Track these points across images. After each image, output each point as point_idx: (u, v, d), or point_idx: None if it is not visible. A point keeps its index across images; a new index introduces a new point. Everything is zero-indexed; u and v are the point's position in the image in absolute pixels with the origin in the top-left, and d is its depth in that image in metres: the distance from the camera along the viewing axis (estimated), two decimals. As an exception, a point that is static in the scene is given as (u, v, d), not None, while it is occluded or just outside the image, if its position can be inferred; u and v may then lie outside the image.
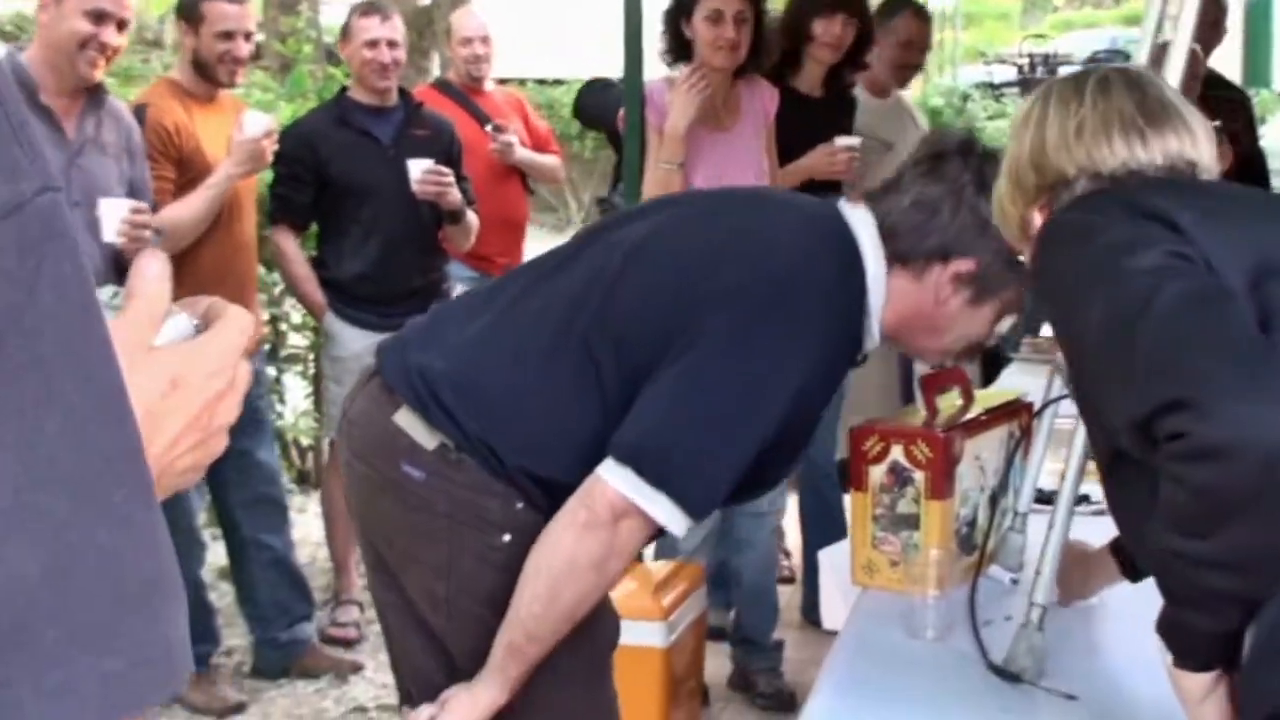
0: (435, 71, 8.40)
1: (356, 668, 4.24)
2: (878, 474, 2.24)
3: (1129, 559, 2.00)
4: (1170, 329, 1.35)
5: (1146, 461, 1.36)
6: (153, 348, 0.78)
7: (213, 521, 4.42)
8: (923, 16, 4.87)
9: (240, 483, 3.98)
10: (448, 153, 4.43)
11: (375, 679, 4.15)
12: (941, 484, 2.20)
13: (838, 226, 2.09)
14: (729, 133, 3.87)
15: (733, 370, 1.93)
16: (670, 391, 1.93)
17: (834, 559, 2.52)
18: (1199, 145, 1.67)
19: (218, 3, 3.85)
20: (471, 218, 4.47)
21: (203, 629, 3.97)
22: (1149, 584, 1.47)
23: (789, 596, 4.52)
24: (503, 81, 5.87)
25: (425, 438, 2.03)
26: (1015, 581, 2.29)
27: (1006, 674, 1.93)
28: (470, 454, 2.01)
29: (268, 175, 4.23)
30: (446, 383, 2.02)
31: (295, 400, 5.61)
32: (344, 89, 4.57)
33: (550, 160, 5.27)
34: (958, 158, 2.10)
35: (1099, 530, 2.04)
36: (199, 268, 3.66)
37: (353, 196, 4.30)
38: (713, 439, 1.93)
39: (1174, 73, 2.12)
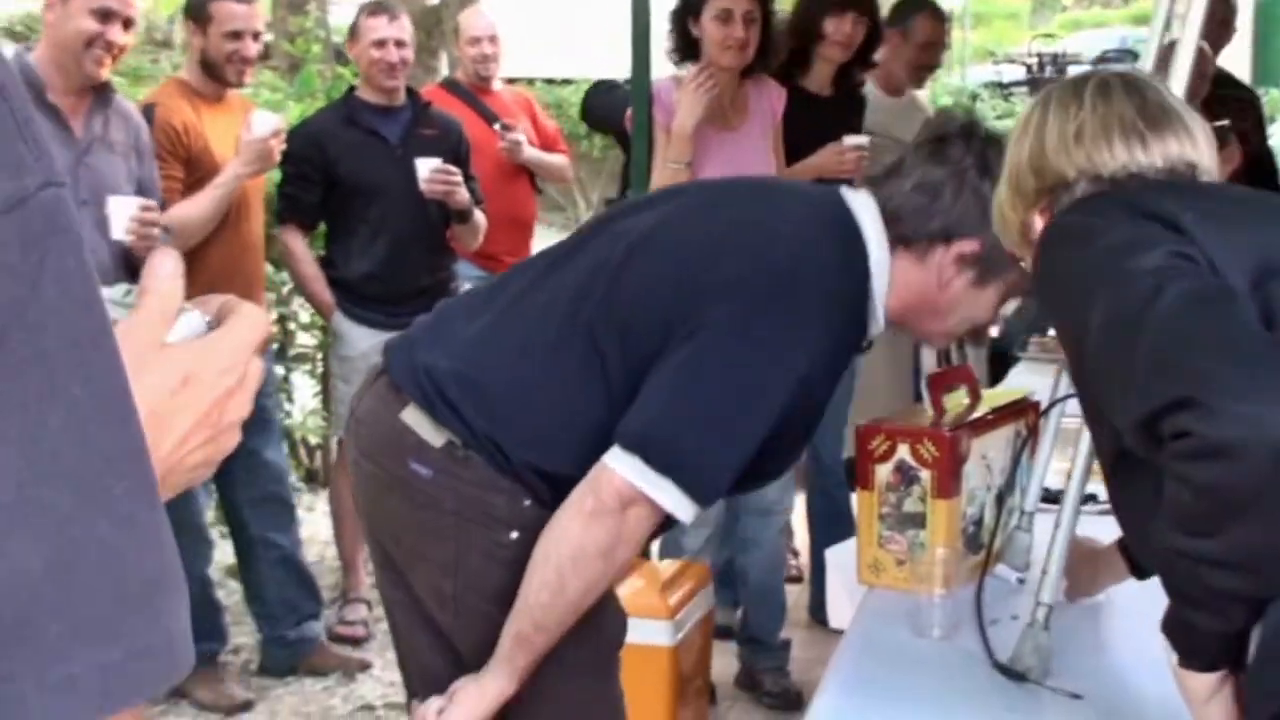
0: (444, 71, 8.41)
1: (364, 666, 4.25)
2: (884, 473, 2.24)
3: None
4: (1174, 328, 1.34)
5: (1151, 461, 1.36)
6: (165, 344, 0.79)
7: (220, 520, 4.43)
8: (939, 17, 4.86)
9: (248, 482, 3.99)
10: (456, 152, 4.43)
11: (383, 677, 4.15)
12: (948, 483, 2.20)
13: (840, 213, 2.09)
14: (736, 132, 3.87)
15: (736, 358, 1.93)
16: (674, 380, 1.93)
17: (840, 558, 2.52)
18: (1199, 148, 1.66)
19: (225, 3, 3.86)
20: (479, 217, 4.48)
21: (210, 627, 3.98)
22: (1155, 583, 1.47)
23: (797, 596, 4.52)
24: (511, 81, 5.87)
25: (432, 435, 2.03)
26: (1021, 581, 2.29)
27: (1012, 673, 1.93)
28: (477, 451, 2.01)
29: (276, 175, 4.24)
30: (452, 380, 2.02)
31: (304, 399, 5.62)
32: (352, 88, 4.57)
33: (558, 159, 5.27)
34: (960, 141, 2.10)
35: (1105, 529, 2.04)
36: (207, 267, 3.67)
37: (361, 196, 4.30)
38: (718, 426, 1.93)
39: (1181, 71, 2.12)
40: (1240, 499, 1.26)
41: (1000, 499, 2.33)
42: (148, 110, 3.75)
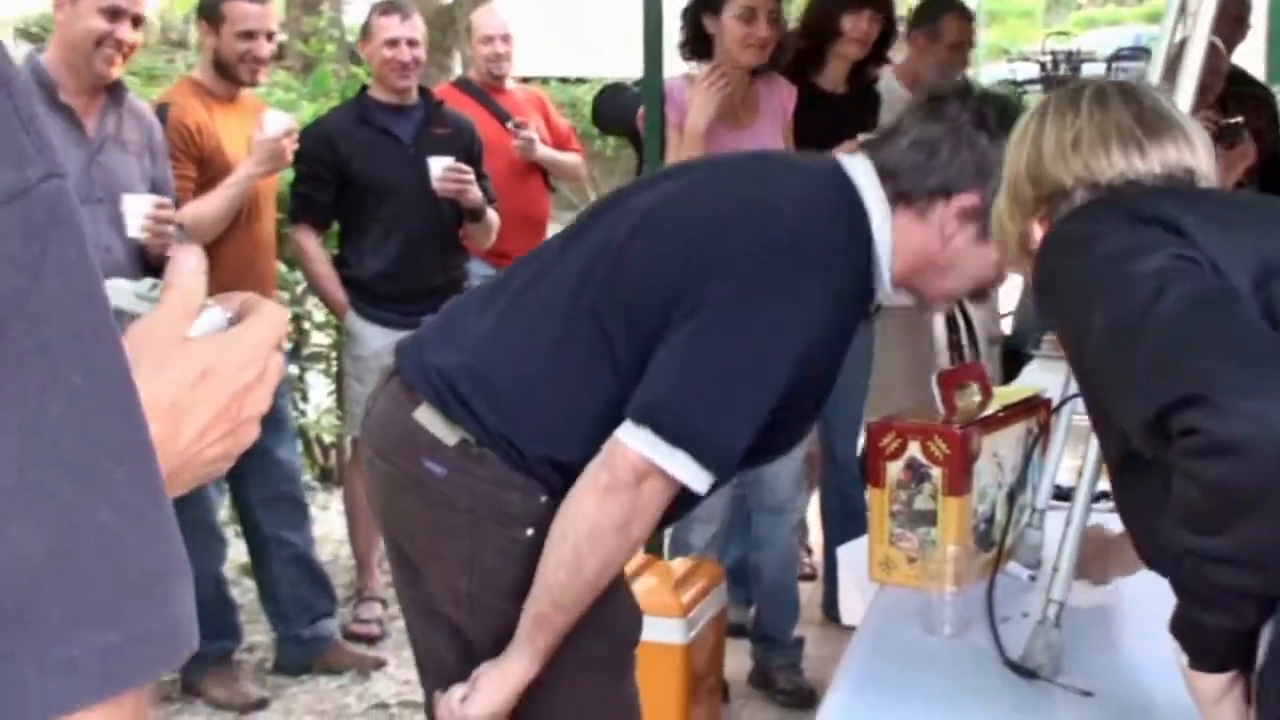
0: (457, 70, 8.42)
1: (379, 664, 4.26)
2: (895, 470, 2.24)
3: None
4: (1178, 329, 1.35)
5: (1159, 460, 1.36)
6: (186, 339, 0.82)
7: (233, 519, 4.44)
8: (966, 16, 4.83)
9: (261, 481, 4.00)
10: (468, 151, 4.44)
11: (397, 675, 4.16)
12: (959, 480, 2.20)
13: (839, 180, 2.09)
14: (748, 130, 3.86)
15: (743, 329, 1.94)
16: (682, 353, 1.94)
17: (852, 555, 2.52)
18: (1197, 154, 1.66)
19: (239, 2, 3.87)
20: (492, 216, 4.48)
21: (225, 625, 4.00)
22: (1167, 580, 1.47)
23: (811, 593, 4.52)
24: (524, 80, 5.88)
25: (446, 434, 2.03)
26: (1033, 578, 2.29)
27: (1023, 670, 1.93)
28: (491, 448, 2.01)
29: (289, 174, 4.25)
30: (464, 375, 2.03)
31: (318, 398, 5.63)
32: (364, 88, 4.58)
33: (572, 158, 5.27)
34: (956, 99, 2.10)
35: (1115, 527, 2.03)
36: (219, 266, 3.65)
37: (373, 195, 4.31)
38: (727, 395, 1.93)
39: (1191, 68, 2.11)
40: (1248, 496, 1.26)
41: (1011, 496, 2.33)
42: (161, 110, 3.76)
